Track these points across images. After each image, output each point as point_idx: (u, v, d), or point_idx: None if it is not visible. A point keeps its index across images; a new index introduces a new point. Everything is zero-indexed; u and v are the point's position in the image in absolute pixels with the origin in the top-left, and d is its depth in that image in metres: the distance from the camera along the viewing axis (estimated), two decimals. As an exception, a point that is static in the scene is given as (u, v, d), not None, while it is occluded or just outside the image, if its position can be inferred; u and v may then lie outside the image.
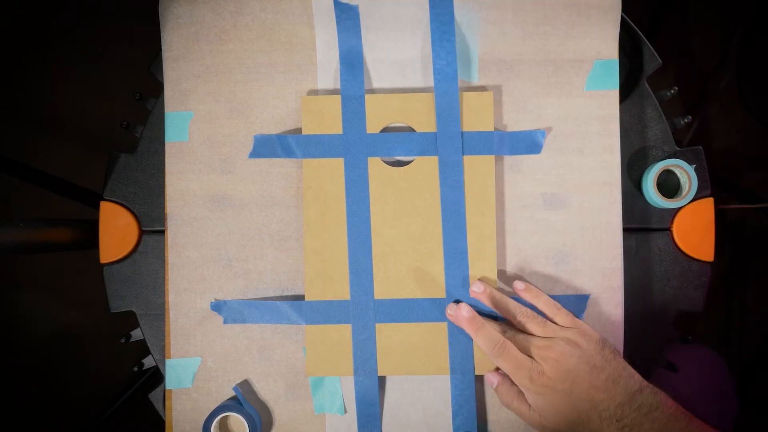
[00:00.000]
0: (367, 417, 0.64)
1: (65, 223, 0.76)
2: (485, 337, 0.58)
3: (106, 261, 0.68)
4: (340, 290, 0.63)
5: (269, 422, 0.65)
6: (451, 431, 0.64)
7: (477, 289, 0.61)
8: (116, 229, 0.68)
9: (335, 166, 0.63)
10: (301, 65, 0.66)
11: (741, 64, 1.30)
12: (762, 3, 1.27)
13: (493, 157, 0.63)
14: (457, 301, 0.62)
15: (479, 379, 0.65)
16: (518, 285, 0.62)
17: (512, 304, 0.61)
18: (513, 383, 0.59)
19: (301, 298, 0.65)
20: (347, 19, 0.65)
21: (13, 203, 1.42)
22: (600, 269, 0.64)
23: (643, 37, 0.68)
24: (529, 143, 0.64)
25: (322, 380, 0.65)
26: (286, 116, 0.66)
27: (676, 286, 0.67)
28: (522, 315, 0.60)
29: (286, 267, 0.66)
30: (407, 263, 0.63)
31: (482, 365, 0.63)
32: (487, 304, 0.61)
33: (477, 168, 0.63)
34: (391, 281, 0.63)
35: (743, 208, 1.34)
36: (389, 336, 0.63)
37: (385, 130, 0.64)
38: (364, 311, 0.63)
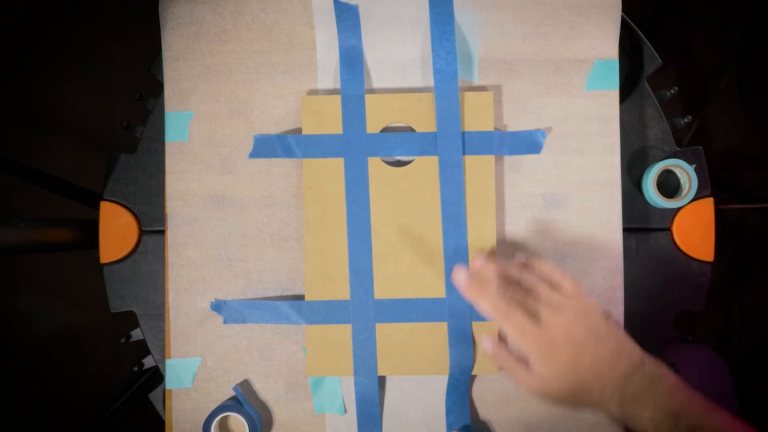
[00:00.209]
0: (367, 417, 0.64)
1: (65, 223, 0.76)
2: (488, 302, 0.56)
3: (106, 261, 0.68)
4: (340, 290, 0.63)
5: (269, 422, 0.65)
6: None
7: (478, 264, 0.59)
8: (116, 229, 0.68)
9: (335, 166, 0.63)
10: (301, 65, 0.66)
11: (741, 64, 1.30)
12: (762, 3, 1.27)
13: (493, 157, 0.63)
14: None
15: (480, 380, 0.65)
16: (520, 257, 0.60)
17: (516, 270, 0.59)
18: (509, 349, 0.57)
19: (301, 298, 0.65)
20: (347, 19, 0.65)
21: (13, 203, 1.42)
22: (600, 269, 0.64)
23: (643, 37, 0.68)
24: (529, 143, 0.64)
25: (322, 380, 0.65)
26: (286, 116, 0.66)
27: (676, 286, 0.67)
28: (528, 281, 0.57)
29: (286, 267, 0.66)
30: (407, 263, 0.63)
31: (482, 366, 0.63)
32: (491, 276, 0.58)
33: (477, 168, 0.63)
34: (391, 281, 0.63)
35: (743, 208, 1.34)
36: (389, 336, 0.63)
37: (385, 130, 0.64)
38: (364, 311, 0.63)
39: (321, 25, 0.66)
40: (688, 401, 0.50)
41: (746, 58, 1.29)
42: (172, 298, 0.66)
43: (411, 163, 0.64)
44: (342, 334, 0.63)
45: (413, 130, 0.64)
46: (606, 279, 0.64)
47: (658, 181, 0.65)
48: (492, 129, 0.63)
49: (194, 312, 0.66)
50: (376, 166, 0.63)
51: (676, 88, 0.70)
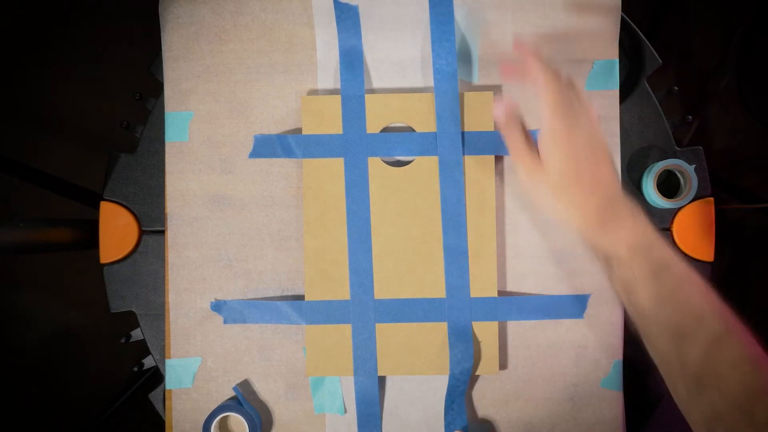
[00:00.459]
0: (367, 417, 0.64)
1: (65, 223, 0.76)
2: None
3: (106, 261, 0.68)
4: (340, 290, 0.63)
5: (269, 422, 0.65)
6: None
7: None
8: (116, 229, 0.68)
9: (335, 166, 0.63)
10: (301, 65, 0.66)
11: (741, 64, 1.30)
12: (762, 3, 1.27)
13: (493, 157, 0.63)
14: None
15: (480, 380, 0.65)
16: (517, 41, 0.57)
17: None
18: (517, 122, 0.56)
19: (301, 298, 0.65)
20: (347, 19, 0.65)
21: (13, 203, 1.42)
22: (600, 269, 0.64)
23: (643, 37, 0.68)
24: (529, 143, 0.64)
25: (322, 380, 0.65)
26: (286, 116, 0.66)
27: (676, 286, 0.67)
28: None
29: (286, 267, 0.66)
30: (407, 263, 0.63)
31: (482, 366, 0.63)
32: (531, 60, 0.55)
33: (477, 168, 0.63)
34: (391, 281, 0.63)
35: (743, 208, 1.34)
36: (389, 336, 0.63)
37: (385, 130, 0.64)
38: (364, 311, 0.63)
39: (321, 25, 0.66)
40: (663, 241, 0.51)
41: (746, 58, 1.29)
42: (172, 298, 0.66)
43: (411, 163, 0.64)
44: (342, 334, 0.63)
45: (413, 130, 0.64)
46: (606, 279, 0.64)
47: (658, 181, 0.65)
48: (492, 129, 0.63)
49: (194, 312, 0.66)
50: (376, 166, 0.63)
51: (676, 88, 0.70)
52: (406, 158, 0.64)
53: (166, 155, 0.66)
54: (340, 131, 0.63)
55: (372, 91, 0.66)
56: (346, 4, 0.65)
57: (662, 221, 0.67)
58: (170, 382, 0.66)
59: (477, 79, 0.66)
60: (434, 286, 0.63)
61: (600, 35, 0.64)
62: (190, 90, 0.66)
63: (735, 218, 1.38)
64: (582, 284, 0.64)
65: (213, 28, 0.66)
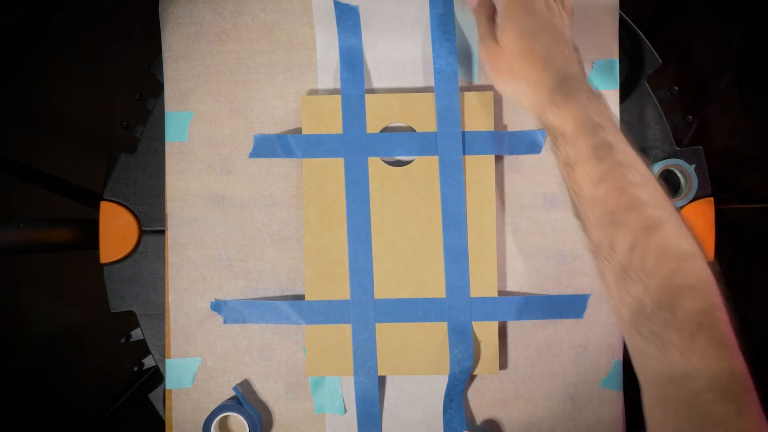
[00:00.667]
0: (367, 417, 0.64)
1: (65, 223, 0.76)
2: None
3: (106, 261, 0.68)
4: (340, 290, 0.63)
5: (269, 422, 0.65)
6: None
7: None
8: (116, 229, 0.68)
9: (335, 166, 0.63)
10: (301, 65, 0.66)
11: (741, 64, 1.30)
12: (762, 3, 1.27)
13: (493, 157, 0.63)
14: None
15: (480, 380, 0.65)
16: None
17: None
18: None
19: (301, 298, 0.65)
20: (347, 19, 0.65)
21: (13, 203, 1.42)
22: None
23: (643, 37, 0.68)
24: (529, 143, 0.64)
25: (322, 380, 0.65)
26: (286, 116, 0.66)
27: (676, 286, 0.67)
28: None
29: (286, 267, 0.66)
30: (407, 263, 0.63)
31: (482, 366, 0.63)
32: None
33: (477, 168, 0.63)
34: (391, 281, 0.63)
35: (743, 208, 1.34)
36: (389, 336, 0.63)
37: (385, 129, 0.64)
38: (364, 311, 0.63)
39: (321, 25, 0.66)
40: (616, 128, 0.50)
41: (746, 58, 1.29)
42: (172, 298, 0.66)
43: (411, 163, 0.64)
44: (342, 334, 0.63)
45: (413, 130, 0.64)
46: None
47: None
48: (492, 129, 0.63)
49: (194, 312, 0.66)
50: (376, 166, 0.63)
51: (676, 88, 0.70)
52: (406, 158, 0.64)
53: (166, 155, 0.66)
54: (340, 131, 0.63)
55: (372, 91, 0.66)
56: (346, 5, 0.65)
57: (662, 221, 0.67)
58: (170, 382, 0.66)
59: (477, 79, 0.66)
60: (434, 286, 0.63)
61: (600, 35, 0.64)
62: (190, 90, 0.66)
63: (735, 218, 1.38)
64: (582, 284, 0.64)
65: (213, 28, 0.66)
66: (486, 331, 0.63)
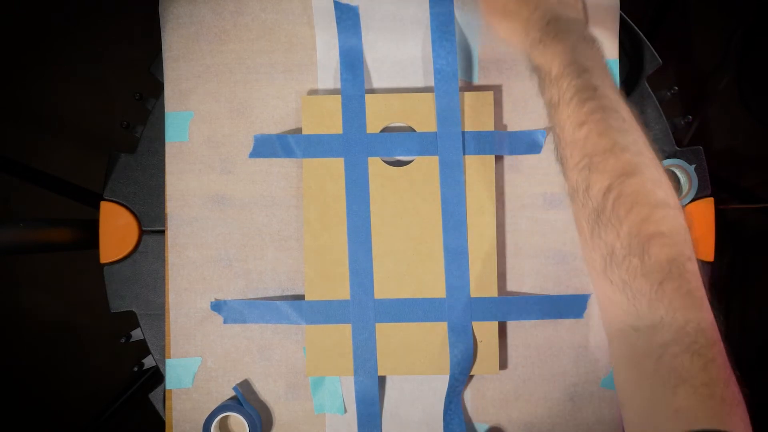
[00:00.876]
0: (367, 417, 0.64)
1: (65, 223, 0.76)
2: None
3: (106, 261, 0.68)
4: (340, 290, 0.63)
5: (269, 422, 0.65)
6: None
7: None
8: (116, 229, 0.68)
9: (335, 166, 0.63)
10: (301, 65, 0.66)
11: (741, 64, 1.30)
12: (762, 3, 1.27)
13: (493, 157, 0.63)
14: None
15: (480, 380, 0.65)
16: None
17: None
18: None
19: (301, 298, 0.65)
20: (347, 19, 0.65)
21: (13, 203, 1.42)
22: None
23: (643, 37, 0.68)
24: (529, 143, 0.64)
25: (322, 380, 0.65)
26: (286, 116, 0.66)
27: (676, 286, 0.67)
28: None
29: (286, 267, 0.66)
30: (407, 263, 0.63)
31: (482, 366, 0.63)
32: None
33: (477, 168, 0.63)
34: (391, 281, 0.63)
35: (743, 208, 1.34)
36: (389, 336, 0.63)
37: (385, 129, 0.64)
38: (364, 311, 0.63)
39: (321, 25, 0.66)
40: (605, 72, 0.50)
41: (746, 58, 1.29)
42: (172, 298, 0.66)
43: (411, 163, 0.64)
44: (342, 334, 0.63)
45: (413, 130, 0.64)
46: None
47: (658, 181, 0.65)
48: (492, 129, 0.63)
49: (194, 312, 0.66)
50: (376, 166, 0.63)
51: (676, 88, 0.70)
52: (406, 158, 0.64)
53: (166, 155, 0.66)
54: (340, 131, 0.63)
55: (372, 91, 0.66)
56: (346, 5, 0.65)
57: (662, 221, 0.67)
58: (170, 382, 0.66)
59: (477, 79, 0.66)
60: (434, 286, 0.63)
61: (600, 35, 0.64)
62: (190, 90, 0.66)
63: (735, 218, 1.38)
64: (582, 284, 0.64)
65: (213, 28, 0.66)
66: (486, 331, 0.63)
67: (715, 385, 0.40)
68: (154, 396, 0.71)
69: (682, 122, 0.70)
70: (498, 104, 0.65)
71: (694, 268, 0.43)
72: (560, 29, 0.51)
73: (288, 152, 0.64)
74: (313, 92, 0.66)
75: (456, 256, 0.63)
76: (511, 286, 0.65)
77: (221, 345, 0.66)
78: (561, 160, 0.51)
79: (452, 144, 0.63)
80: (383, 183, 0.63)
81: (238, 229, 0.66)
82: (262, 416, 0.65)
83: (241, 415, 0.63)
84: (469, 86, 0.66)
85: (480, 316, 0.62)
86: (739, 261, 1.38)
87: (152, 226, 0.68)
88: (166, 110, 0.66)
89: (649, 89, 0.68)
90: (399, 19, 0.65)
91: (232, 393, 0.65)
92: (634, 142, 0.47)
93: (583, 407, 0.64)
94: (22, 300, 1.44)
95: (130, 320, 0.69)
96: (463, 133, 0.63)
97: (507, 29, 0.55)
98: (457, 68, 0.63)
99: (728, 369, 0.41)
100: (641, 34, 0.69)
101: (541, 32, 0.51)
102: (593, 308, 0.64)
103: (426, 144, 0.63)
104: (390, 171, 0.63)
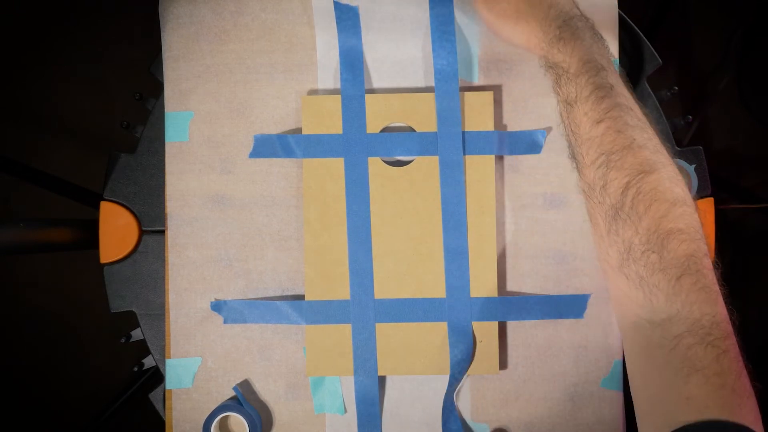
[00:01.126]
0: (367, 417, 0.64)
1: (65, 223, 0.76)
2: None
3: (106, 261, 0.68)
4: (340, 290, 0.63)
5: (269, 422, 0.65)
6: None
7: None
8: (116, 229, 0.68)
9: (335, 166, 0.63)
10: (301, 65, 0.66)
11: (741, 64, 1.30)
12: (762, 3, 1.27)
13: (493, 157, 0.63)
14: None
15: (480, 380, 0.65)
16: None
17: None
18: None
19: (301, 298, 0.65)
20: (347, 19, 0.65)
21: (13, 203, 1.42)
22: (600, 270, 0.64)
23: (643, 37, 0.68)
24: (529, 143, 0.64)
25: (322, 380, 0.65)
26: (286, 116, 0.66)
27: (676, 286, 0.67)
28: None
29: (286, 267, 0.66)
30: (407, 263, 0.63)
31: (482, 366, 0.63)
32: None
33: (477, 168, 0.63)
34: (391, 281, 0.63)
35: (743, 208, 1.34)
36: (389, 336, 0.63)
37: (385, 129, 0.64)
38: (364, 311, 0.63)
39: (321, 25, 0.66)
40: (617, 73, 0.51)
41: (746, 58, 1.29)
42: (172, 298, 0.66)
43: (411, 163, 0.64)
44: (342, 334, 0.63)
45: (413, 130, 0.64)
46: (606, 279, 0.64)
47: (658, 181, 0.65)
48: (492, 129, 0.63)
49: (194, 312, 0.66)
50: (376, 166, 0.63)
51: (676, 88, 0.70)
52: (406, 158, 0.64)
53: (166, 155, 0.66)
54: (340, 131, 0.63)
55: (372, 91, 0.66)
56: (346, 5, 0.65)
57: (662, 221, 0.67)
58: (170, 382, 0.66)
59: (477, 79, 0.66)
60: (434, 286, 0.63)
61: (600, 35, 0.64)
62: (190, 90, 0.66)
63: (735, 218, 1.38)
64: (582, 284, 0.64)
65: (213, 28, 0.66)
66: (486, 331, 0.63)
67: (727, 376, 0.40)
68: (154, 396, 0.71)
69: (682, 122, 0.70)
70: (498, 104, 0.65)
71: (709, 264, 0.44)
72: (578, 26, 0.52)
73: (288, 152, 0.64)
74: (313, 92, 0.66)
75: (456, 256, 0.63)
76: (511, 286, 0.65)
77: (221, 345, 0.66)
78: (575, 157, 0.51)
79: (452, 144, 0.63)
80: (383, 183, 0.63)
81: (238, 229, 0.66)
82: (262, 416, 0.65)
83: (241, 415, 0.63)
84: (469, 86, 0.66)
85: (480, 316, 0.63)
86: (739, 261, 1.38)
87: (152, 226, 0.68)
88: (166, 110, 0.66)
89: (649, 89, 0.68)
90: (399, 19, 0.65)
91: (232, 393, 0.65)
92: (650, 140, 0.47)
93: (583, 407, 0.64)
94: (22, 300, 1.44)
95: (130, 320, 0.69)
96: (463, 133, 0.63)
97: (521, 32, 0.55)
98: (457, 68, 0.63)
99: (740, 362, 0.42)
100: (641, 34, 0.69)
101: (560, 29, 0.52)
102: (593, 308, 0.64)
103: (426, 144, 0.63)
104: (390, 171, 0.63)
